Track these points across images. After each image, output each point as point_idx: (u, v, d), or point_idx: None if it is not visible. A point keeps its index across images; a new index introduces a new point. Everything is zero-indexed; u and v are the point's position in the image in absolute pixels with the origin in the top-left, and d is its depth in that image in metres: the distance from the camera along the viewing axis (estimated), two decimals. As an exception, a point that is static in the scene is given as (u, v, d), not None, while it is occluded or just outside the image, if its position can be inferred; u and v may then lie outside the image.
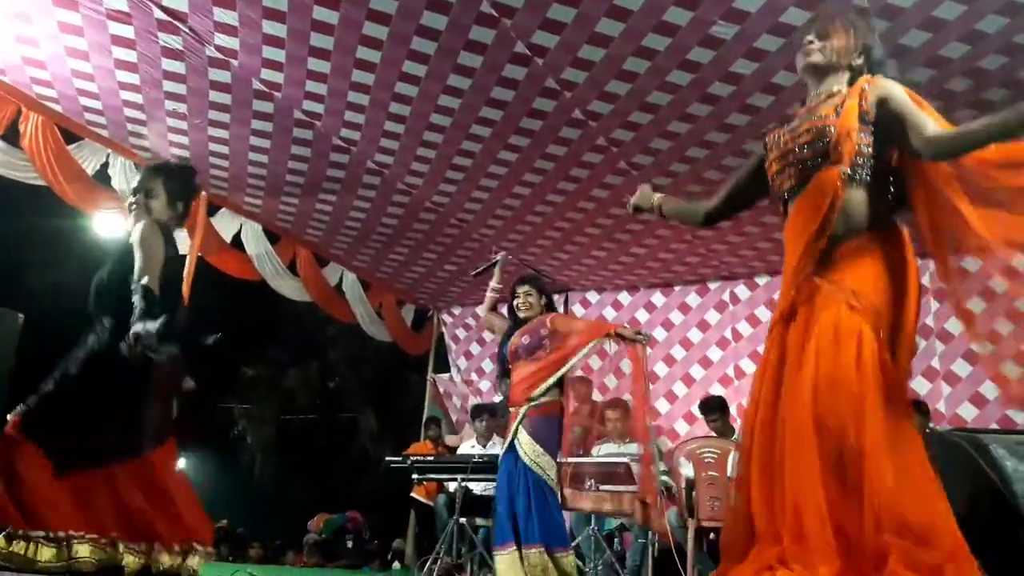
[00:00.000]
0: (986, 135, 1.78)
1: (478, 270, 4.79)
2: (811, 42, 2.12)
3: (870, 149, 1.96)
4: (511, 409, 4.03)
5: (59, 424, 2.75)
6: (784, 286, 1.99)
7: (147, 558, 2.77)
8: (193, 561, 2.87)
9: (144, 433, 2.89)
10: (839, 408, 1.78)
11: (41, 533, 2.63)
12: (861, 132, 1.95)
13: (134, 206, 3.03)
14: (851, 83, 2.06)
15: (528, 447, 3.83)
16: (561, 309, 7.51)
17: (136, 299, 2.76)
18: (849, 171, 1.93)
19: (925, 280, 6.53)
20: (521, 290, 4.16)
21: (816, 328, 1.85)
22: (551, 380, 3.86)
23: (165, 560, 2.80)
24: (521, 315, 4.12)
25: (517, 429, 3.89)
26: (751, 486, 1.90)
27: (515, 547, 3.68)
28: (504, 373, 4.18)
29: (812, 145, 1.98)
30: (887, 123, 1.95)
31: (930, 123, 1.88)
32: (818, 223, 1.91)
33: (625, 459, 4.93)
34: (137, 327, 2.68)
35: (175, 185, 3.10)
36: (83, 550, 2.65)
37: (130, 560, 2.72)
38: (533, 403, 3.88)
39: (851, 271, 1.90)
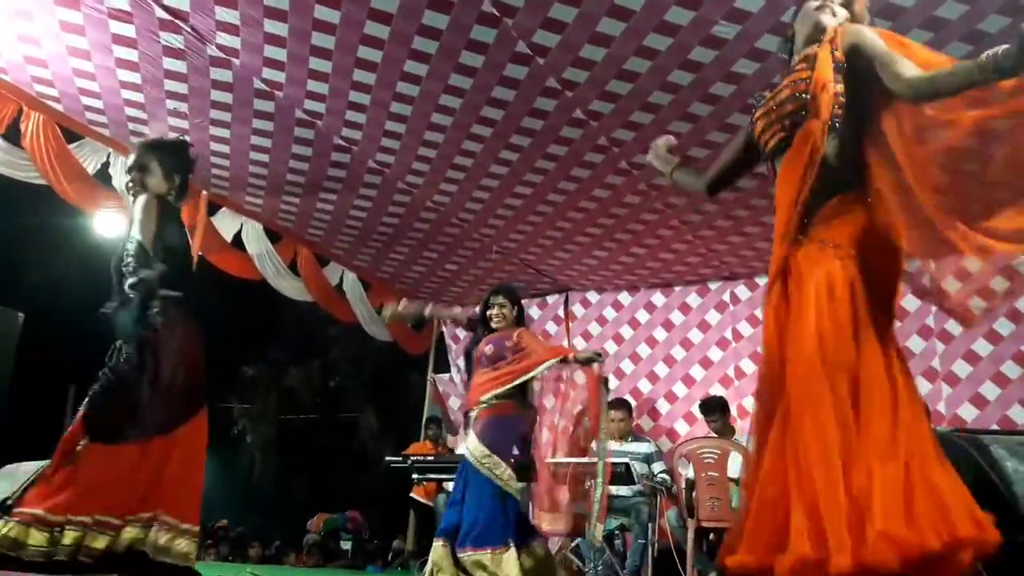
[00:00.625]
0: (965, 79, 1.76)
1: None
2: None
3: (843, 99, 1.91)
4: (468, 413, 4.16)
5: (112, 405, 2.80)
6: (776, 247, 1.94)
7: (144, 533, 2.79)
8: (183, 544, 2.86)
9: (174, 408, 2.91)
10: (845, 355, 1.76)
11: (38, 512, 2.63)
12: (836, 83, 1.91)
13: (131, 184, 3.05)
14: None
15: (474, 448, 3.90)
16: (561, 310, 7.53)
17: (129, 256, 2.77)
18: (829, 123, 1.88)
19: (925, 280, 6.49)
20: (496, 301, 4.24)
21: (811, 283, 1.82)
22: (501, 390, 3.98)
23: (161, 539, 2.81)
24: (493, 325, 4.20)
25: (468, 431, 4.03)
26: (765, 449, 1.83)
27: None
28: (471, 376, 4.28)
29: (792, 99, 1.94)
30: (862, 70, 1.90)
31: (907, 65, 1.82)
32: (800, 176, 1.88)
33: (626, 459, 4.95)
34: (138, 275, 2.69)
35: (169, 159, 3.14)
36: (68, 537, 2.65)
37: (129, 533, 2.74)
38: (483, 405, 3.99)
39: (839, 229, 1.87)
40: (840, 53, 1.92)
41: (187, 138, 3.40)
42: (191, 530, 2.92)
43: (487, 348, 4.11)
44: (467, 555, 3.64)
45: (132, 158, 3.13)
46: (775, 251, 1.93)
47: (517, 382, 3.99)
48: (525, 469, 4.06)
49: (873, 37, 1.91)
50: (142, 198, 2.99)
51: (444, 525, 3.88)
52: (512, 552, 3.62)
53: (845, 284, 1.80)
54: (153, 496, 2.86)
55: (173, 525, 2.86)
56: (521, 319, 4.30)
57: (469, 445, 3.96)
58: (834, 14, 2.02)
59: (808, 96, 1.89)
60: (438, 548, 3.76)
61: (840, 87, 1.91)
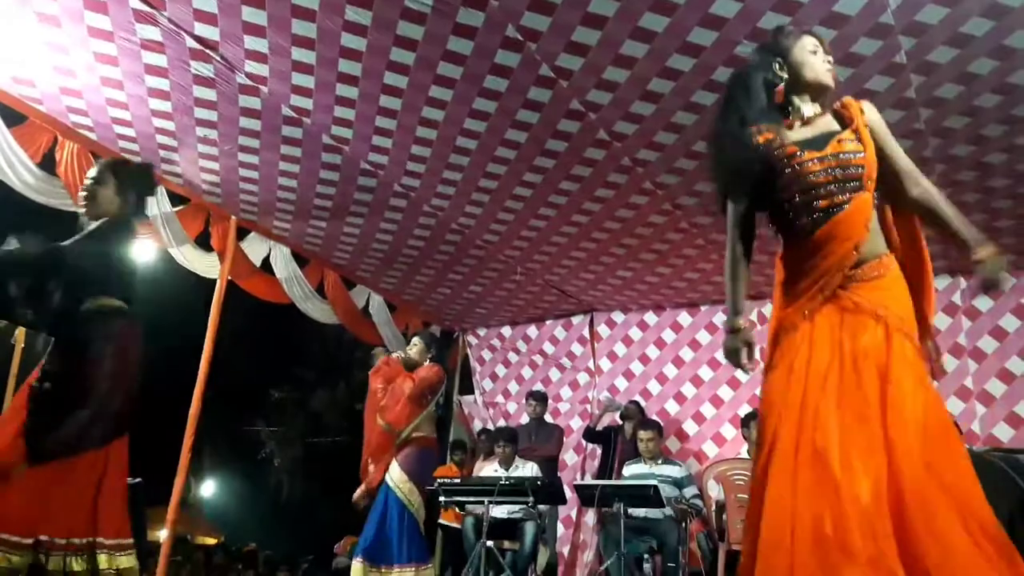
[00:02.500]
0: (958, 231, 2.07)
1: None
2: (831, 62, 2.20)
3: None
4: None
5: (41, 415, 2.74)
6: (806, 298, 2.05)
7: (82, 559, 2.70)
8: (123, 561, 2.80)
9: (108, 422, 2.83)
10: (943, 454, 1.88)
11: None
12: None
13: (82, 193, 3.09)
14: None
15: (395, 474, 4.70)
16: (586, 331, 7.52)
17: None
18: (874, 198, 2.07)
19: (956, 298, 6.43)
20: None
21: (880, 354, 1.93)
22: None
23: (102, 562, 2.73)
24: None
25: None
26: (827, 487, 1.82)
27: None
28: None
29: (843, 171, 2.04)
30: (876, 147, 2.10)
31: (912, 171, 2.13)
32: (853, 245, 2.01)
33: (655, 481, 4.91)
34: None
35: (126, 180, 3.15)
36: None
37: (56, 563, 2.64)
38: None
39: (889, 292, 2.02)
40: (865, 127, 2.10)
41: (151, 163, 3.43)
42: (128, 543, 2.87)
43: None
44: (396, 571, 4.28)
45: (91, 171, 3.15)
46: (801, 302, 2.06)
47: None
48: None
49: (887, 131, 2.15)
50: (96, 224, 3.02)
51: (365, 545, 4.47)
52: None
53: (919, 369, 1.99)
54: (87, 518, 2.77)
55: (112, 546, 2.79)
56: (436, 357, 5.02)
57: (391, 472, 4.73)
58: (830, 75, 2.19)
59: (864, 169, 2.03)
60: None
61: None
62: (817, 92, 2.20)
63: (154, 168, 3.38)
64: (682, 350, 7.03)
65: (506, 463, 5.98)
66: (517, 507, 5.60)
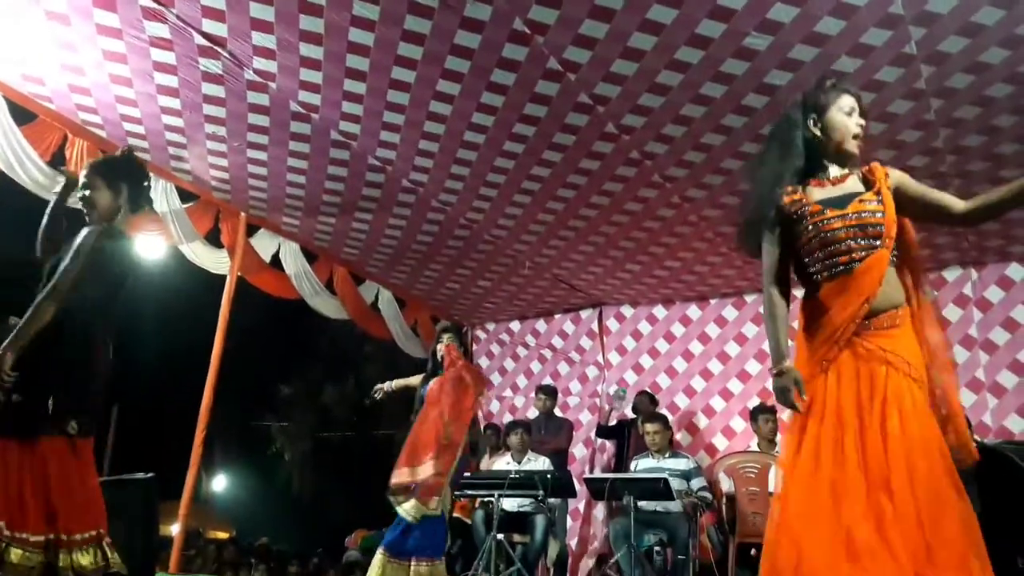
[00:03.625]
0: (1011, 201, 2.11)
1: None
2: (862, 127, 2.32)
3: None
4: None
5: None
6: (823, 345, 2.20)
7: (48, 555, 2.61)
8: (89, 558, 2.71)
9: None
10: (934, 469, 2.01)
11: None
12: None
13: (82, 205, 2.97)
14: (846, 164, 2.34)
15: None
16: (595, 325, 7.52)
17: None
18: (892, 255, 2.20)
19: (967, 290, 6.43)
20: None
21: (890, 395, 2.08)
22: None
23: (80, 560, 2.64)
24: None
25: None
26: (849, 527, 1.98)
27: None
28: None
29: (863, 230, 2.20)
30: (901, 210, 2.24)
31: (949, 197, 2.24)
32: (866, 296, 2.15)
33: (664, 475, 4.91)
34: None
35: (112, 173, 3.02)
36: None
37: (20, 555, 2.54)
38: None
39: (900, 340, 2.15)
40: (888, 190, 2.24)
41: (135, 154, 3.27)
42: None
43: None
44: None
45: (80, 180, 3.01)
46: (819, 350, 2.21)
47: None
48: None
49: (915, 181, 2.28)
50: (85, 231, 2.86)
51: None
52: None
53: (925, 408, 2.10)
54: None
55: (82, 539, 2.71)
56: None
57: None
58: (858, 140, 2.32)
59: (883, 228, 2.18)
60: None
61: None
62: (843, 155, 2.32)
63: (134, 151, 3.21)
64: (691, 343, 7.03)
65: (520, 452, 5.99)
66: (528, 500, 5.61)
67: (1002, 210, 2.17)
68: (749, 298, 6.83)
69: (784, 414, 5.67)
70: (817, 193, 2.29)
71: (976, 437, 4.09)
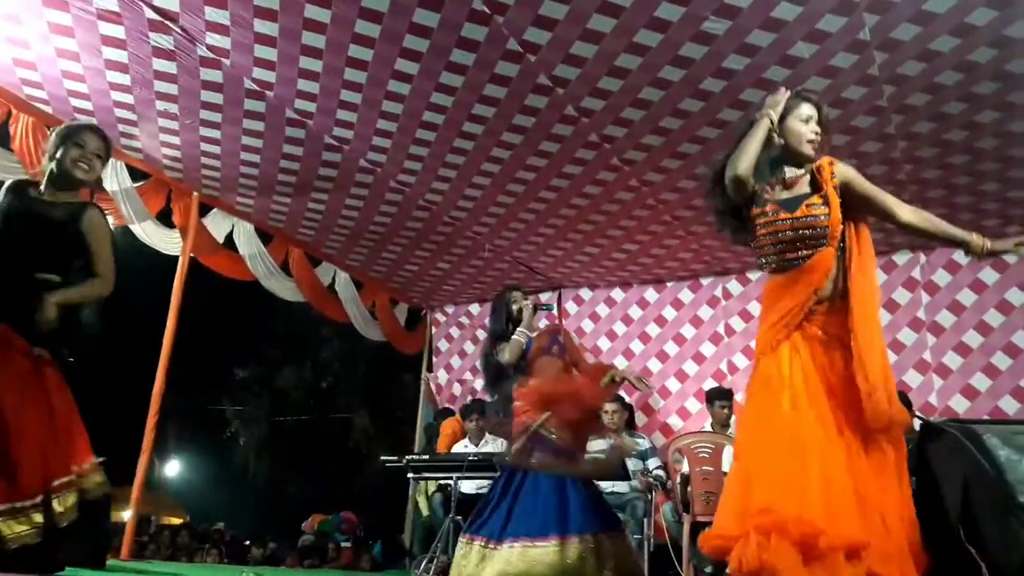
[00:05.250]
0: (940, 239, 2.51)
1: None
2: (817, 133, 2.53)
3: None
4: None
5: None
6: (773, 329, 2.47)
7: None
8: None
9: None
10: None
11: None
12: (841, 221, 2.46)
13: (85, 168, 2.96)
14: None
15: None
16: (555, 307, 7.54)
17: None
18: (837, 251, 2.45)
19: (916, 273, 6.56)
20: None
21: (833, 372, 2.38)
22: None
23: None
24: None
25: None
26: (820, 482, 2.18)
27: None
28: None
29: (810, 231, 2.44)
30: (849, 203, 2.47)
31: (895, 203, 2.51)
32: (812, 291, 2.42)
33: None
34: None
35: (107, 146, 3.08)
36: None
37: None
38: None
39: (841, 326, 2.40)
40: (837, 191, 2.47)
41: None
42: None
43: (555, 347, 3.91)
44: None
45: (93, 141, 2.97)
46: (775, 330, 2.46)
47: None
48: None
49: (863, 180, 2.52)
50: (98, 215, 2.97)
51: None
52: None
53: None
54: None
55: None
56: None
57: None
58: (812, 145, 2.53)
59: (828, 229, 2.43)
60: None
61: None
62: (798, 158, 2.53)
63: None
64: (648, 326, 7.10)
65: (477, 436, 5.99)
66: (485, 483, 5.63)
67: (931, 238, 2.56)
68: (705, 281, 6.91)
69: (739, 395, 5.78)
70: (772, 194, 2.52)
71: (918, 414, 4.24)
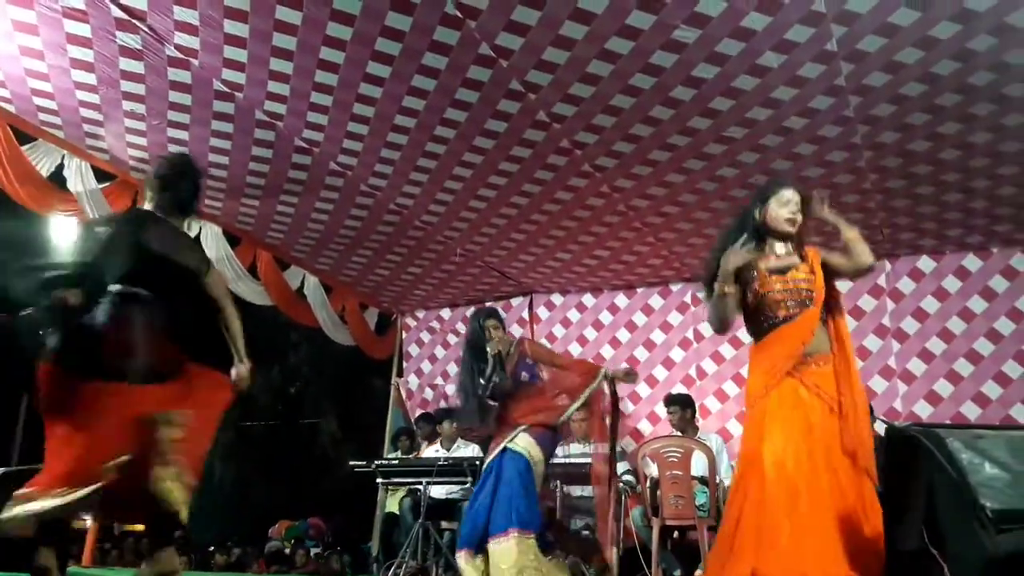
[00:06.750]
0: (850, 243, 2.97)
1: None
2: (797, 211, 2.99)
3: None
4: None
5: None
6: (767, 375, 2.90)
7: None
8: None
9: None
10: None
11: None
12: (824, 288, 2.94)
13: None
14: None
15: None
16: (526, 313, 7.54)
17: None
18: (821, 313, 2.91)
19: (881, 280, 6.68)
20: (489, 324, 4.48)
21: (815, 418, 2.80)
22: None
23: None
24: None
25: None
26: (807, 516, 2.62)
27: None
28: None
29: (799, 296, 2.92)
30: (827, 271, 2.99)
31: (840, 260, 3.01)
32: (800, 344, 2.87)
33: (590, 459, 4.97)
34: None
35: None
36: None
37: None
38: None
39: (824, 377, 2.86)
40: (820, 266, 2.97)
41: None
42: None
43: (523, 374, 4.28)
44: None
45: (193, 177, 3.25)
46: (768, 379, 2.89)
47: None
48: None
49: (829, 255, 3.03)
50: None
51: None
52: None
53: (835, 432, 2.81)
54: None
55: None
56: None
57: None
58: (794, 222, 3.01)
59: (813, 292, 2.92)
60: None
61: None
62: (779, 235, 3.02)
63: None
64: (619, 331, 7.13)
65: (450, 440, 5.97)
66: (456, 488, 5.61)
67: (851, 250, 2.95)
68: (675, 287, 6.97)
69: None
70: (765, 263, 2.99)
71: (881, 418, 4.34)
